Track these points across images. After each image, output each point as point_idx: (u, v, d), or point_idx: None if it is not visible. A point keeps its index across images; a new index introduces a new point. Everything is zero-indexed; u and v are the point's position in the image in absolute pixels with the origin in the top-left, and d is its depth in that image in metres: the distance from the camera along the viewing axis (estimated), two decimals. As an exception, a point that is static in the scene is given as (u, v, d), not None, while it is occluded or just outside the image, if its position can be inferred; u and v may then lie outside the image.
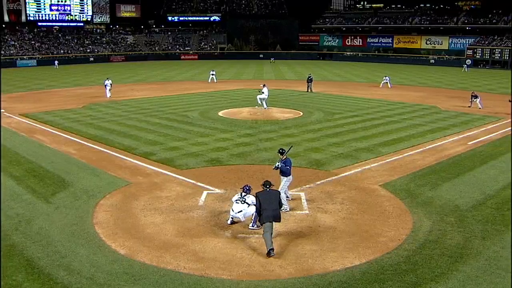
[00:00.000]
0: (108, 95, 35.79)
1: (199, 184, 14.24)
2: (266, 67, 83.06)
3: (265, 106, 28.44)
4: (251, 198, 11.12)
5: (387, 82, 46.45)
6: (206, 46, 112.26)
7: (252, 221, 11.01)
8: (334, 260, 9.49)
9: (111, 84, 36.51)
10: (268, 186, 10.30)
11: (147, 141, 20.19)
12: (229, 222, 11.28)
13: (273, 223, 9.99)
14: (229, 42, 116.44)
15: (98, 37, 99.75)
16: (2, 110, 27.60)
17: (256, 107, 30.28)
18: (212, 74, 51.02)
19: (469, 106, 31.59)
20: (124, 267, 9.23)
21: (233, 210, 11.17)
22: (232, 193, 12.73)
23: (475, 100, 31.75)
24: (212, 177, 14.80)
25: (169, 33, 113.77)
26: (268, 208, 9.91)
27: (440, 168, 16.31)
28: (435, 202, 12.77)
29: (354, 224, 11.31)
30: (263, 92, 29.66)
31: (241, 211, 11.07)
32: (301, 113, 28.35)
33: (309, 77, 42.14)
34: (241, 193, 11.32)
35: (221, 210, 12.11)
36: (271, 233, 9.85)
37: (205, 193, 13.44)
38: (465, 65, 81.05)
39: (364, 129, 23.31)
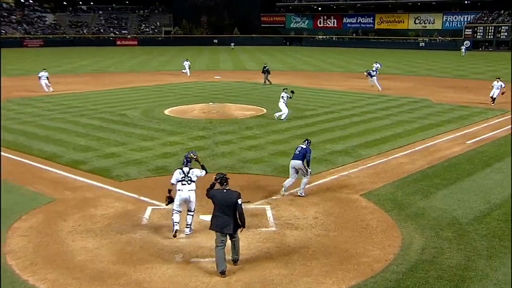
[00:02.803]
0: (48, 89, 35.43)
1: (142, 198, 14.08)
2: (223, 55, 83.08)
3: (283, 116, 25.65)
4: (196, 172, 11.51)
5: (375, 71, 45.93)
6: (147, 29, 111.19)
7: None
8: (308, 287, 9.57)
9: (47, 78, 35.76)
10: (225, 183, 10.12)
11: (77, 147, 19.80)
12: (175, 228, 11.45)
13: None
14: (176, 24, 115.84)
15: (5, 14, 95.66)
16: None
17: (211, 104, 30.15)
18: (186, 65, 49.89)
19: (492, 103, 30.27)
20: (48, 305, 8.94)
21: (176, 212, 11.47)
22: (183, 208, 12.56)
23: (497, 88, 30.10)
24: (159, 190, 14.59)
25: (101, 12, 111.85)
26: (219, 215, 9.86)
27: (434, 172, 16.76)
28: (428, 214, 13.04)
29: (331, 242, 11.44)
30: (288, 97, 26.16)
31: (189, 200, 11.49)
32: (265, 110, 28.52)
33: (265, 67, 42.61)
34: (182, 168, 11.62)
35: (170, 229, 11.97)
36: (235, 245, 9.89)
37: (149, 209, 13.28)
38: (463, 47, 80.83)
39: (341, 128, 23.69)
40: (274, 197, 14.15)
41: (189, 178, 11.64)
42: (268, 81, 41.84)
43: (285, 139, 21.26)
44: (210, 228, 10.10)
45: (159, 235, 11.72)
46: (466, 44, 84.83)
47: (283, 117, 25.45)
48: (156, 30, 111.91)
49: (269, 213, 12.99)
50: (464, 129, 23.80)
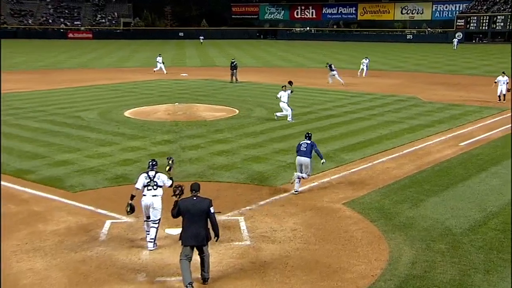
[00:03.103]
0: None
1: (99, 211, 13.92)
2: (190, 50, 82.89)
3: (290, 117, 25.90)
4: (163, 177, 11.60)
5: (366, 67, 46.65)
6: (104, 20, 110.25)
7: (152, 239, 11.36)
8: (288, 307, 9.55)
9: None
10: (196, 191, 10.09)
11: (22, 154, 19.48)
12: (151, 247, 11.51)
13: (201, 247, 9.89)
14: (136, 15, 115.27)
15: None
16: None
17: (176, 104, 30.03)
18: (160, 61, 49.20)
19: (502, 101, 30.44)
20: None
21: (147, 219, 11.49)
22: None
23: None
24: (118, 201, 14.44)
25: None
26: (191, 226, 9.78)
27: (424, 178, 16.97)
28: (418, 224, 13.17)
29: (312, 256, 11.46)
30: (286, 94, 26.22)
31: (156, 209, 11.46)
32: (237, 111, 28.57)
33: (233, 63, 42.61)
34: (148, 172, 11.69)
35: (131, 244, 11.85)
36: (205, 261, 9.83)
37: (108, 223, 13.13)
38: (456, 40, 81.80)
39: (321, 130, 23.84)
40: (248, 208, 14.13)
41: (155, 183, 11.62)
42: (235, 78, 41.89)
43: (259, 143, 21.28)
44: (182, 243, 9.91)
45: (119, 253, 11.56)
46: (458, 36, 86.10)
47: (289, 118, 25.69)
48: (113, 22, 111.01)
49: (243, 225, 12.96)
50: (456, 130, 24.20)
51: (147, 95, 35.17)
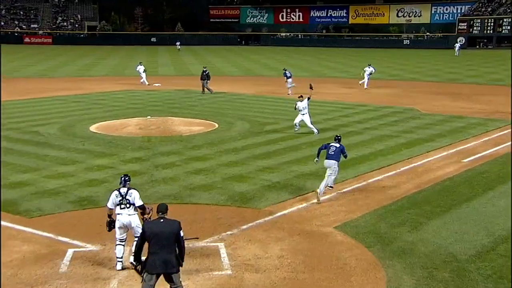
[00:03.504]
0: None
1: (60, 238, 13.77)
2: (163, 57, 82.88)
3: (315, 130, 26.14)
4: (135, 194, 11.70)
5: (368, 76, 45.53)
6: (65, 24, 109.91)
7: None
8: None
9: None
10: (163, 212, 10.02)
11: (-29, 175, 19.21)
12: (118, 267, 11.53)
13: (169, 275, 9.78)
14: (102, 18, 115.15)
15: None
16: None
17: (149, 118, 29.98)
18: (140, 70, 48.32)
19: None
20: None
21: (120, 243, 11.56)
22: (113, 248, 12.39)
23: None
24: (82, 226, 14.38)
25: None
26: (159, 251, 9.70)
27: (424, 198, 17.08)
28: (418, 250, 13.20)
29: (300, 286, 11.45)
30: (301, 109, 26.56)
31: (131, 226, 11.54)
32: (216, 125, 28.60)
33: (204, 71, 42.34)
34: (119, 189, 11.78)
35: (97, 276, 11.75)
36: None
37: (70, 251, 12.98)
38: (457, 45, 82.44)
39: (309, 145, 23.91)
40: (229, 232, 14.10)
41: (127, 201, 11.70)
42: (208, 89, 41.78)
43: (241, 160, 21.30)
44: (147, 271, 9.75)
45: (83, 286, 11.45)
46: (460, 41, 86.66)
47: (315, 130, 26.02)
48: (77, 25, 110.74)
49: (223, 253, 12.92)
50: (459, 145, 24.40)
51: (116, 108, 35.04)
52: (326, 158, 16.90)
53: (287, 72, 41.84)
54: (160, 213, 9.97)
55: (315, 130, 25.99)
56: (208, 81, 42.07)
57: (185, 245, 10.02)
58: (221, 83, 45.21)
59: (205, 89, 41.90)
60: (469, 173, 19.84)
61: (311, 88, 27.89)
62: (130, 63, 67.95)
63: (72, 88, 44.33)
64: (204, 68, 43.05)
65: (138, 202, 11.78)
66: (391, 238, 13.88)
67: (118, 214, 11.74)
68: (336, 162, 16.83)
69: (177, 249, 9.84)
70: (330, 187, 17.15)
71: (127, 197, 11.71)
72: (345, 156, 17.38)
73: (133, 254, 11.07)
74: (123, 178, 12.01)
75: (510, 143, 24.34)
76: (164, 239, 9.74)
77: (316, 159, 17.71)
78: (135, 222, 11.73)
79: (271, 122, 29.53)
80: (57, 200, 16.65)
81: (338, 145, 17.05)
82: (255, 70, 64.68)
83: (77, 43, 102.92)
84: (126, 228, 11.77)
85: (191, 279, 10.54)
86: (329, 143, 17.34)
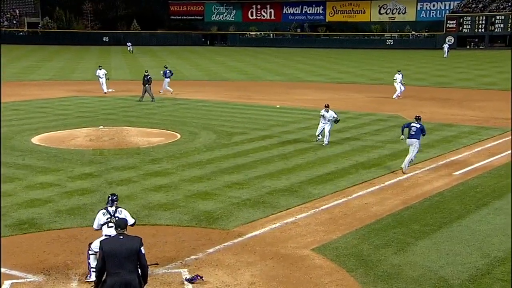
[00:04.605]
0: None
1: (-2, 267, 13.52)
2: (116, 59, 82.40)
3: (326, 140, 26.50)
4: (125, 213, 11.90)
5: (400, 84, 43.76)
6: (1, 20, 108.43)
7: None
8: None
9: None
10: (122, 228, 9.95)
11: None
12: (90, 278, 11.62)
13: None
14: (45, 14, 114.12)
15: None
16: None
17: (101, 128, 29.72)
18: (100, 75, 46.92)
19: None
20: None
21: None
22: (60, 279, 12.25)
23: None
24: (23, 255, 14.14)
25: None
26: (119, 271, 9.56)
27: (411, 216, 17.10)
28: (405, 274, 13.19)
29: (276, 317, 11.43)
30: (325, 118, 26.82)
31: None
32: (178, 135, 28.44)
33: (146, 76, 41.89)
34: (107, 208, 11.94)
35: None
36: None
37: (7, 284, 12.70)
38: (446, 45, 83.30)
39: (282, 157, 23.92)
40: (193, 257, 13.97)
41: (116, 219, 11.56)
42: (150, 94, 41.24)
43: (207, 175, 21.18)
44: None
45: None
46: (449, 41, 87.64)
47: (326, 141, 26.26)
48: (15, 22, 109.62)
49: (186, 280, 12.81)
50: (449, 156, 24.59)
51: (62, 117, 34.59)
52: (408, 138, 21.34)
53: (167, 71, 44.37)
54: (119, 229, 9.89)
55: (326, 141, 26.27)
56: (149, 86, 41.53)
57: None
58: (184, 88, 45.08)
59: (147, 94, 41.26)
60: (460, 188, 19.95)
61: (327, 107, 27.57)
62: (78, 65, 67.53)
63: (10, 94, 43.39)
64: (146, 72, 42.29)
65: (131, 221, 11.80)
66: (375, 261, 13.87)
67: (106, 234, 11.70)
68: (417, 140, 21.17)
69: (139, 269, 9.74)
70: (411, 160, 21.42)
71: (116, 214, 11.83)
72: (424, 135, 21.53)
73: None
74: (110, 198, 12.17)
75: (506, 153, 24.62)
76: (123, 258, 9.61)
77: (402, 136, 21.96)
78: None
79: (240, 131, 29.45)
80: (-6, 223, 16.32)
81: (418, 125, 21.25)
82: (221, 73, 64.67)
83: (15, 42, 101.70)
84: None
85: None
86: (410, 123, 21.59)
